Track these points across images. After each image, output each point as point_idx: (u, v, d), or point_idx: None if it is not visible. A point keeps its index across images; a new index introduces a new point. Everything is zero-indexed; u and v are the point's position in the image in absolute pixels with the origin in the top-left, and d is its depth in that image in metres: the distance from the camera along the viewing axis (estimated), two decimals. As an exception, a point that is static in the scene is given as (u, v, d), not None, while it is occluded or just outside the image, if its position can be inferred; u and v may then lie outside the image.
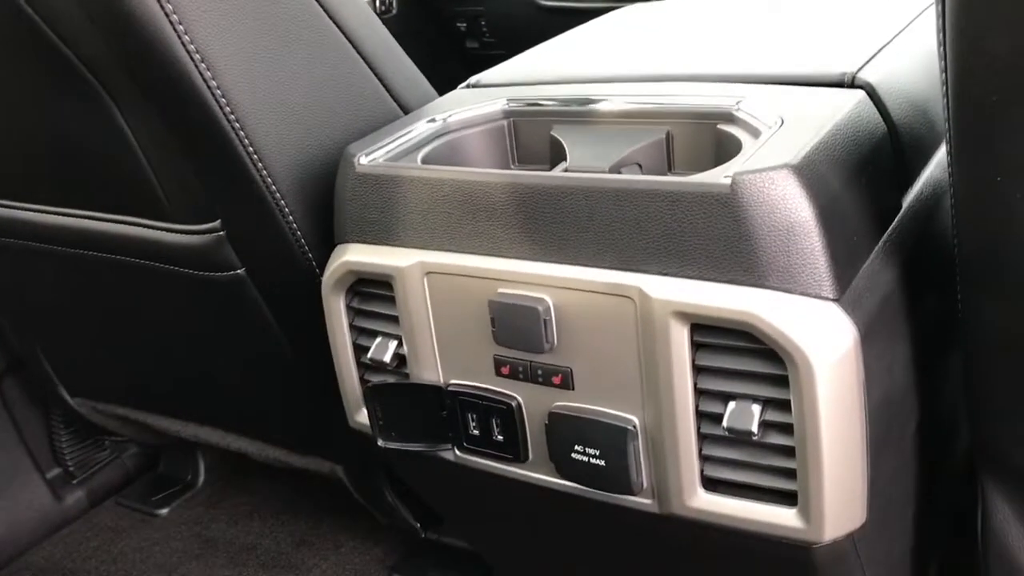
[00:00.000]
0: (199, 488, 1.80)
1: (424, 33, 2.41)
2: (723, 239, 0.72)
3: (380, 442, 0.96)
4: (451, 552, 1.49)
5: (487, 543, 1.25)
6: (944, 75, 0.65)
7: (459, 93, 1.07)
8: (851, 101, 0.82)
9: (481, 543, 1.27)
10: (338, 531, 1.62)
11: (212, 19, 0.91)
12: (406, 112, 1.08)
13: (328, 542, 1.61)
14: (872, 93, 0.85)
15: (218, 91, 0.91)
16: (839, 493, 0.75)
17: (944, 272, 0.90)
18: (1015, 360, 0.77)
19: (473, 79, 1.09)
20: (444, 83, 1.14)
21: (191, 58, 0.89)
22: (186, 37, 0.89)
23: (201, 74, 0.90)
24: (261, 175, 0.96)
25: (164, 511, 1.75)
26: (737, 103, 0.86)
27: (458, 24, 2.47)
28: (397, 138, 0.95)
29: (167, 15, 0.87)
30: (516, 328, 0.83)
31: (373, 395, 0.94)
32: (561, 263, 0.80)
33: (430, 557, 1.51)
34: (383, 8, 2.27)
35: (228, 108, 0.92)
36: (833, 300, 0.72)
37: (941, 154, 0.94)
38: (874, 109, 0.84)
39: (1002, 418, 0.81)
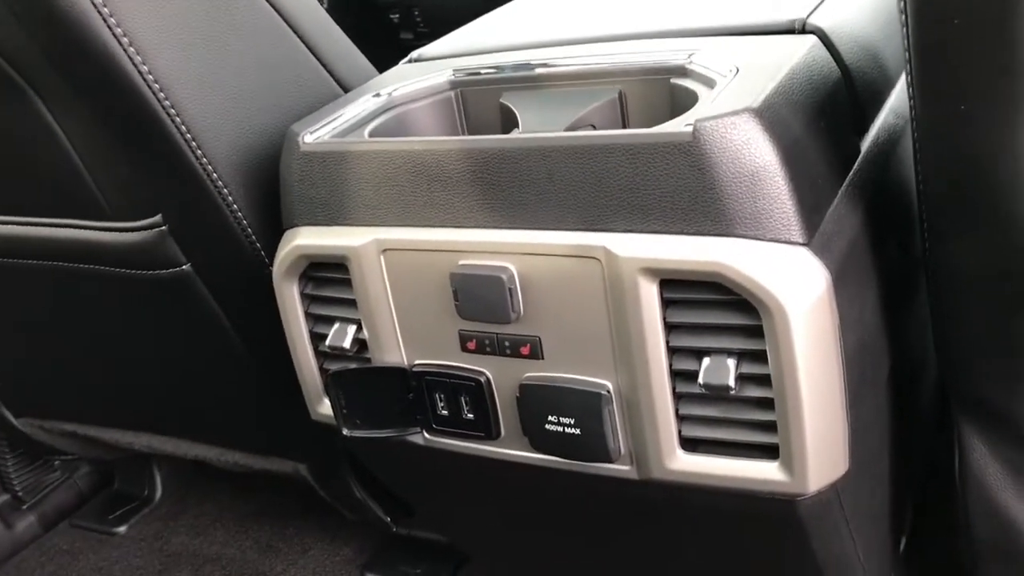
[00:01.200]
0: (157, 502, 1.74)
1: (356, 25, 2.37)
2: (687, 189, 0.70)
3: (345, 431, 0.92)
4: (424, 545, 1.46)
5: (461, 531, 1.22)
6: (902, 3, 0.64)
7: (402, 68, 1.04)
8: (804, 46, 0.81)
9: (455, 532, 1.24)
10: (305, 534, 1.58)
11: (139, 1, 0.87)
12: (347, 91, 1.04)
13: (295, 546, 1.56)
14: (824, 38, 0.84)
15: (150, 76, 0.87)
16: (821, 442, 0.74)
17: (905, 217, 0.90)
18: (982, 294, 0.76)
19: (415, 53, 1.06)
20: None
21: (119, 42, 0.85)
22: (112, 20, 0.84)
23: (131, 58, 0.86)
24: (201, 163, 0.92)
25: (122, 529, 1.69)
26: (689, 56, 0.84)
27: (391, 15, 2.43)
28: (341, 115, 0.91)
29: None
30: (480, 299, 0.80)
31: (335, 382, 0.91)
32: (523, 228, 0.78)
33: (402, 552, 1.48)
34: (314, 0, 2.22)
35: (162, 94, 0.88)
36: (803, 244, 0.71)
37: (893, 100, 0.94)
38: (827, 54, 0.83)
39: (973, 355, 0.81)
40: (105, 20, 0.84)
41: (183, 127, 0.90)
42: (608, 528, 0.96)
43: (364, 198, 0.85)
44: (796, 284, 0.70)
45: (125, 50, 0.85)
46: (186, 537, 1.64)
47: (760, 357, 0.73)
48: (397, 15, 2.44)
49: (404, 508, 1.34)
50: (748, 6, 0.95)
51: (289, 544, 1.57)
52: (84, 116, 0.96)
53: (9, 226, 1.13)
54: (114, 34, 0.84)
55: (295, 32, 1.02)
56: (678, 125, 0.71)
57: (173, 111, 0.89)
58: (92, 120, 0.96)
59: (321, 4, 2.24)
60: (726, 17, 0.92)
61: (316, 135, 0.88)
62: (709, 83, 0.80)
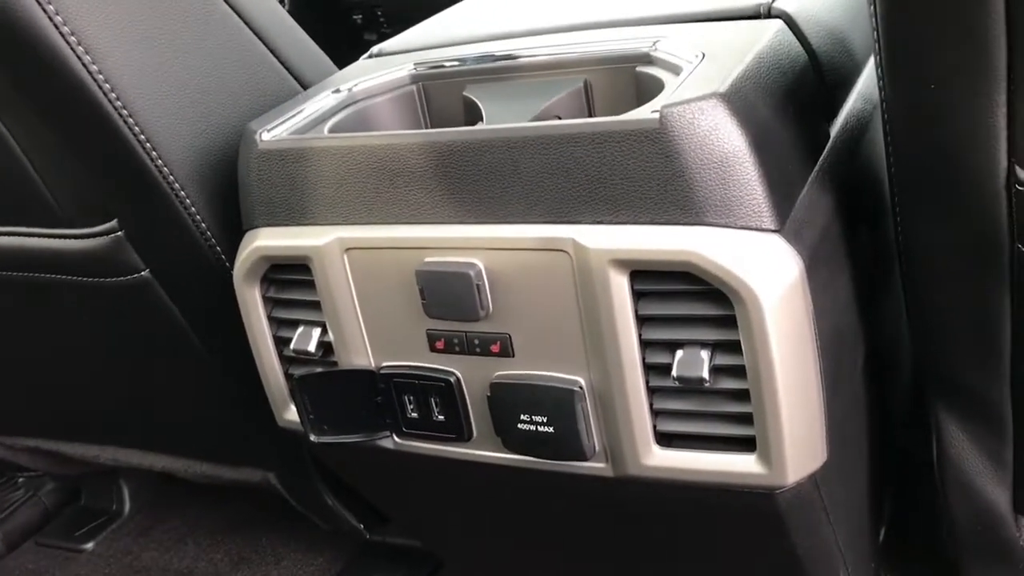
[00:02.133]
0: (126, 517, 1.70)
1: (318, 27, 2.34)
2: (655, 178, 0.69)
3: (313, 437, 0.90)
4: (398, 552, 1.43)
5: (435, 537, 1.20)
6: (870, -19, 0.63)
7: (363, 63, 1.01)
8: (770, 30, 0.80)
9: (429, 538, 1.22)
10: (277, 545, 1.55)
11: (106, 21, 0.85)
12: (306, 89, 1.02)
13: (268, 558, 1.53)
14: (790, 22, 0.83)
15: (100, 76, 0.84)
16: (798, 432, 0.72)
17: (877, 203, 0.89)
18: (955, 275, 0.75)
19: (376, 48, 1.04)
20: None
21: (66, 41, 0.82)
22: (58, 18, 0.81)
23: (79, 58, 0.83)
24: (156, 165, 0.89)
25: (90, 545, 1.65)
26: (654, 44, 0.83)
27: (354, 16, 2.40)
28: (300, 111, 0.89)
29: None
30: (448, 297, 0.78)
31: (301, 387, 0.88)
32: (489, 223, 0.76)
33: (376, 560, 1.45)
34: (274, 2, 2.19)
35: (113, 95, 0.85)
36: (774, 231, 0.69)
37: (861, 85, 0.93)
38: (794, 38, 0.82)
39: (948, 338, 0.80)
40: (51, 19, 0.81)
41: (136, 128, 0.87)
42: (584, 529, 0.94)
43: (325, 196, 0.82)
44: (769, 271, 0.68)
45: (73, 49, 0.83)
46: (156, 552, 1.61)
47: (734, 348, 0.71)
48: (360, 16, 2.41)
49: (377, 515, 1.31)
50: None
51: (262, 555, 1.54)
52: (33, 119, 0.93)
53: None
54: (61, 33, 0.81)
55: (251, 29, 0.99)
56: (644, 112, 0.70)
57: (125, 112, 0.86)
58: (42, 123, 0.92)
59: (282, 5, 2.21)
60: (690, 3, 0.90)
61: (274, 132, 0.86)
62: (675, 70, 0.78)
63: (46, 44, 0.82)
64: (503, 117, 0.84)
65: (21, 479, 1.72)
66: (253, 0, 1.00)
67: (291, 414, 0.94)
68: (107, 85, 0.85)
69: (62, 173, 0.98)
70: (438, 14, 1.15)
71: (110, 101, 0.85)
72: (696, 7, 0.89)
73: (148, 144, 0.88)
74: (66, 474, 1.65)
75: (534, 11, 1.05)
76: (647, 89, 0.80)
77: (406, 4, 2.29)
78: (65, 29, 0.81)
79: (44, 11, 0.80)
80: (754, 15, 0.84)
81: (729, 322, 0.70)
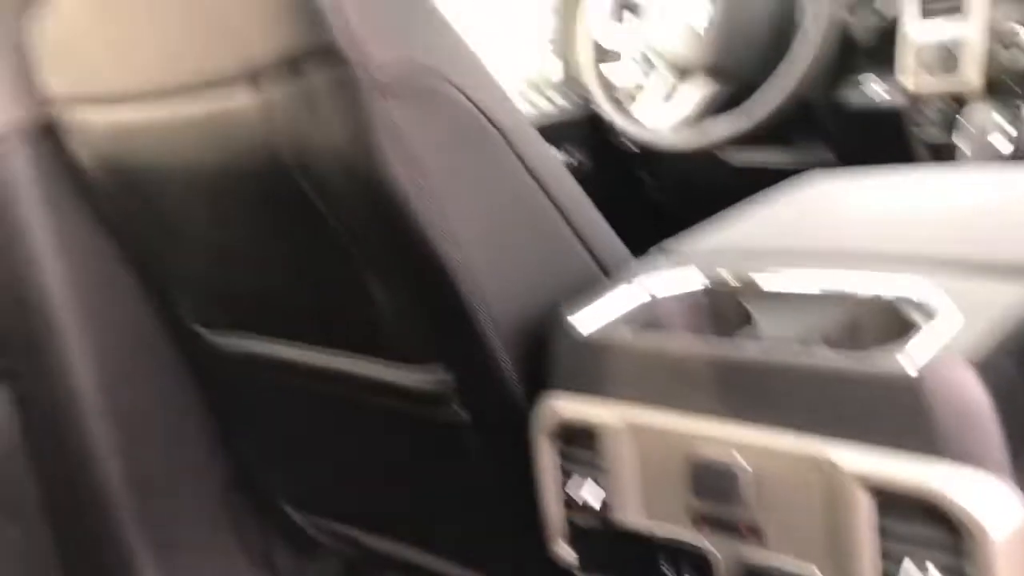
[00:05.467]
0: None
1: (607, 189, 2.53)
2: (907, 420, 0.81)
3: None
4: None
5: None
6: None
7: (656, 259, 1.19)
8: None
9: None
10: None
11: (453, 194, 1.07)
12: (604, 271, 1.20)
13: None
14: None
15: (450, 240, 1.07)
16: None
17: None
18: None
19: (667, 244, 1.21)
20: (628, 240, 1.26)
21: (439, 234, 1.06)
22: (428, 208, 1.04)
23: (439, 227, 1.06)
24: (482, 322, 1.10)
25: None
26: (921, 289, 0.94)
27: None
28: (606, 304, 1.08)
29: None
30: (713, 484, 0.92)
31: (579, 535, 1.06)
32: (751, 423, 0.90)
33: None
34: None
35: (462, 266, 1.07)
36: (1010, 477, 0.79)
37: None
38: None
39: None
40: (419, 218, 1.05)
41: (471, 289, 1.09)
42: None
43: (618, 380, 1.00)
44: (1002, 514, 0.77)
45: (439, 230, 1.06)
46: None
47: (960, 573, 0.80)
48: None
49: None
50: (997, 244, 1.03)
51: None
52: (395, 280, 1.17)
53: (318, 355, 1.37)
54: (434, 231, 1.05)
55: (559, 211, 1.17)
56: (903, 360, 0.82)
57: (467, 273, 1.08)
58: (400, 284, 1.16)
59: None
60: (971, 252, 1.00)
61: (585, 324, 1.05)
62: (930, 314, 0.90)
63: (420, 222, 1.06)
64: (772, 328, 1.00)
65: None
66: (559, 184, 1.18)
67: (560, 548, 1.11)
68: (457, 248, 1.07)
69: (403, 317, 1.20)
70: (727, 215, 1.29)
71: (459, 282, 1.08)
72: (974, 257, 0.98)
73: (482, 304, 1.10)
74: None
75: (820, 232, 1.19)
76: (901, 324, 0.93)
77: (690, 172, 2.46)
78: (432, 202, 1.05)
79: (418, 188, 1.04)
80: None
81: (959, 549, 0.80)
